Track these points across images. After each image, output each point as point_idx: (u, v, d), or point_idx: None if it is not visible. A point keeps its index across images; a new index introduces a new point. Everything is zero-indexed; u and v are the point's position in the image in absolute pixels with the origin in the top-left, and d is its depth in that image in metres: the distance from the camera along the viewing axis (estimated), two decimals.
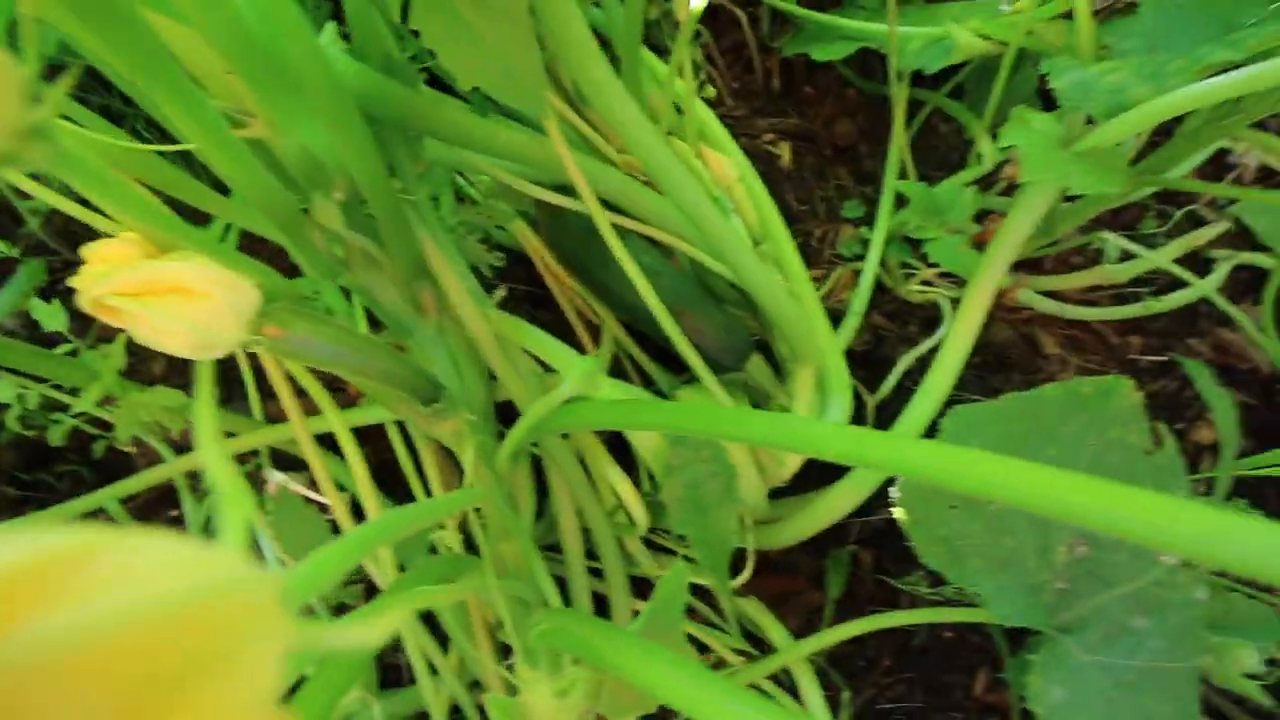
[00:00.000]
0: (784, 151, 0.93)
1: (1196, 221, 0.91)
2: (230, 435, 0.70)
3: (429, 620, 0.64)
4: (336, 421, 0.53)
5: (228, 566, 0.12)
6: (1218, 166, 0.93)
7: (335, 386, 0.80)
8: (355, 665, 0.40)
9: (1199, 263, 0.88)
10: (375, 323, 0.70)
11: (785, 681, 0.68)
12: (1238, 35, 0.49)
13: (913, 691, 0.69)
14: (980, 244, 0.75)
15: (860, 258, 0.85)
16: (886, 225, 0.79)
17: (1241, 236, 0.91)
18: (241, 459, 0.72)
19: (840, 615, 0.71)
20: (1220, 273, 0.84)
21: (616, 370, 0.75)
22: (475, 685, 0.66)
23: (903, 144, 0.84)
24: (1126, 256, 0.88)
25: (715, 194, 0.67)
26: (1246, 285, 0.88)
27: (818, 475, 0.68)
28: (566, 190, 0.62)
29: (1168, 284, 0.87)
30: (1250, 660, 0.55)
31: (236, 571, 0.12)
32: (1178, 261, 0.85)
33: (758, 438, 0.39)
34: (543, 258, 0.70)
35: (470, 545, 0.69)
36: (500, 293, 0.56)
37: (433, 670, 0.60)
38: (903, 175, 0.84)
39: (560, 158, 0.52)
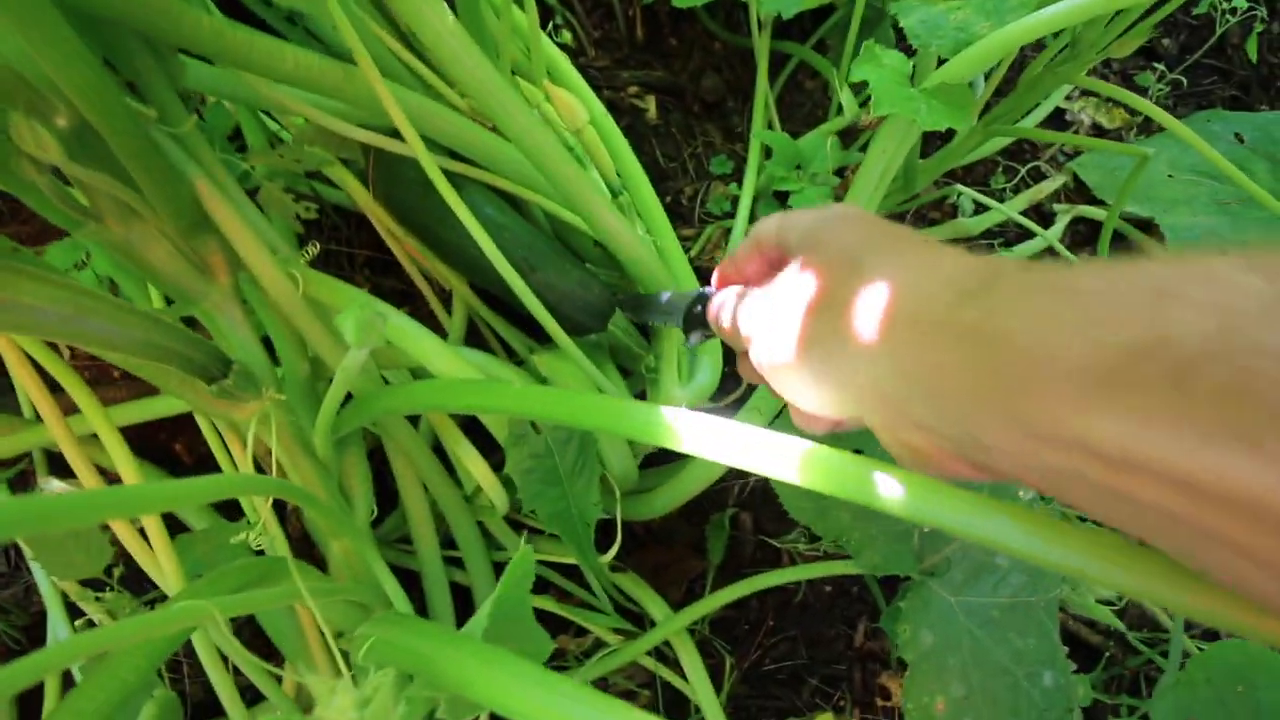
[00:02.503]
0: (649, 105, 0.88)
1: (1038, 178, 0.96)
2: None
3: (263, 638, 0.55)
4: (92, 413, 0.43)
5: None
6: (1057, 125, 0.98)
7: (131, 374, 0.67)
8: (116, 694, 0.32)
9: (1042, 216, 0.93)
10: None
11: (669, 655, 0.65)
12: None
13: (796, 649, 0.69)
14: (840, 197, 0.74)
15: (730, 215, 0.82)
16: (755, 181, 0.77)
17: (1077, 191, 0.97)
18: (9, 463, 0.59)
19: (721, 580, 0.69)
20: (1061, 224, 0.88)
21: (474, 337, 0.68)
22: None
23: (767, 97, 0.82)
24: (978, 211, 0.91)
25: (567, 140, 0.62)
26: (1084, 237, 0.94)
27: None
28: (397, 136, 0.54)
29: (1015, 236, 0.91)
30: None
31: None
32: (1024, 214, 0.89)
33: (613, 426, 0.34)
34: (378, 215, 0.62)
35: (312, 552, 0.61)
36: (314, 249, 0.48)
37: (252, 698, 0.51)
38: (769, 130, 0.82)
39: (375, 92, 0.44)
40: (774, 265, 0.36)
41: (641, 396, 0.64)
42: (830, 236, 0.31)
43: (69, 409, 0.45)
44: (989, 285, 0.23)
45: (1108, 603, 0.56)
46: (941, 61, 0.57)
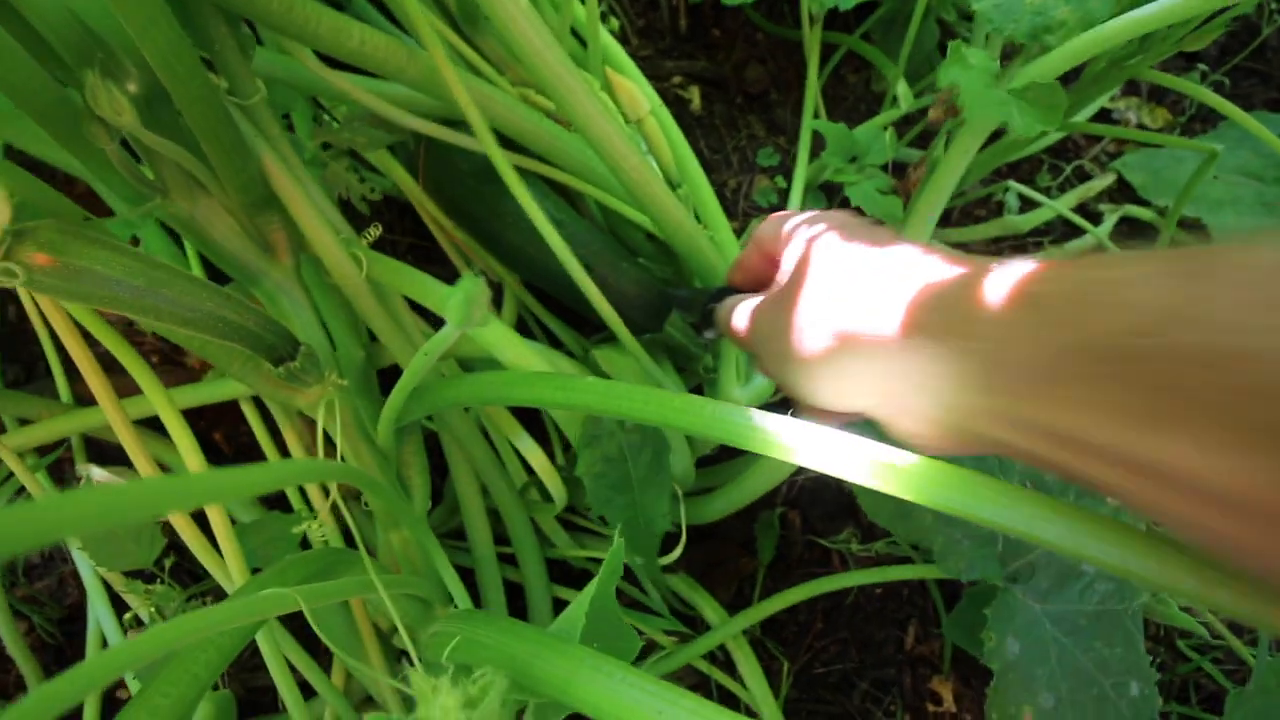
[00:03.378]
0: (693, 96, 0.86)
1: (1083, 177, 0.95)
2: (25, 423, 0.55)
3: (309, 634, 0.53)
4: (156, 397, 0.41)
5: None
6: (1103, 122, 0.96)
7: (173, 359, 0.66)
8: (191, 690, 0.30)
9: (1086, 215, 0.92)
10: (221, 278, 0.57)
11: (721, 657, 0.63)
12: None
13: (847, 651, 0.67)
14: (902, 193, 0.72)
15: (776, 208, 0.81)
16: (805, 173, 0.75)
17: (1120, 191, 0.96)
18: (45, 450, 0.57)
19: (771, 580, 0.67)
20: (1109, 223, 0.87)
21: (521, 332, 0.67)
22: (369, 702, 0.56)
23: (816, 88, 0.80)
24: (1024, 209, 0.90)
25: (628, 130, 0.60)
26: (1126, 235, 0.92)
27: None
28: (453, 126, 0.52)
29: (1062, 234, 0.89)
30: None
31: None
32: (1073, 212, 0.87)
33: (705, 429, 0.33)
34: (424, 205, 0.60)
35: (352, 546, 0.59)
36: (375, 231, 0.46)
37: (309, 692, 0.50)
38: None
39: (439, 75, 0.43)
40: (775, 264, 0.38)
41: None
42: (824, 248, 0.33)
43: (123, 392, 0.44)
44: (964, 295, 0.26)
45: (1189, 610, 0.55)
46: (1006, 57, 0.56)
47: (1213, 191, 0.95)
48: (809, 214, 0.38)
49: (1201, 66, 1.04)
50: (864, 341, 0.29)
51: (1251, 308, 0.18)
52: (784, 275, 0.35)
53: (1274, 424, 0.17)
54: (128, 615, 0.48)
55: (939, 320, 0.26)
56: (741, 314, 0.39)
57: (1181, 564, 0.25)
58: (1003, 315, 0.24)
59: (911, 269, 0.29)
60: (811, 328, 0.31)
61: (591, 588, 0.32)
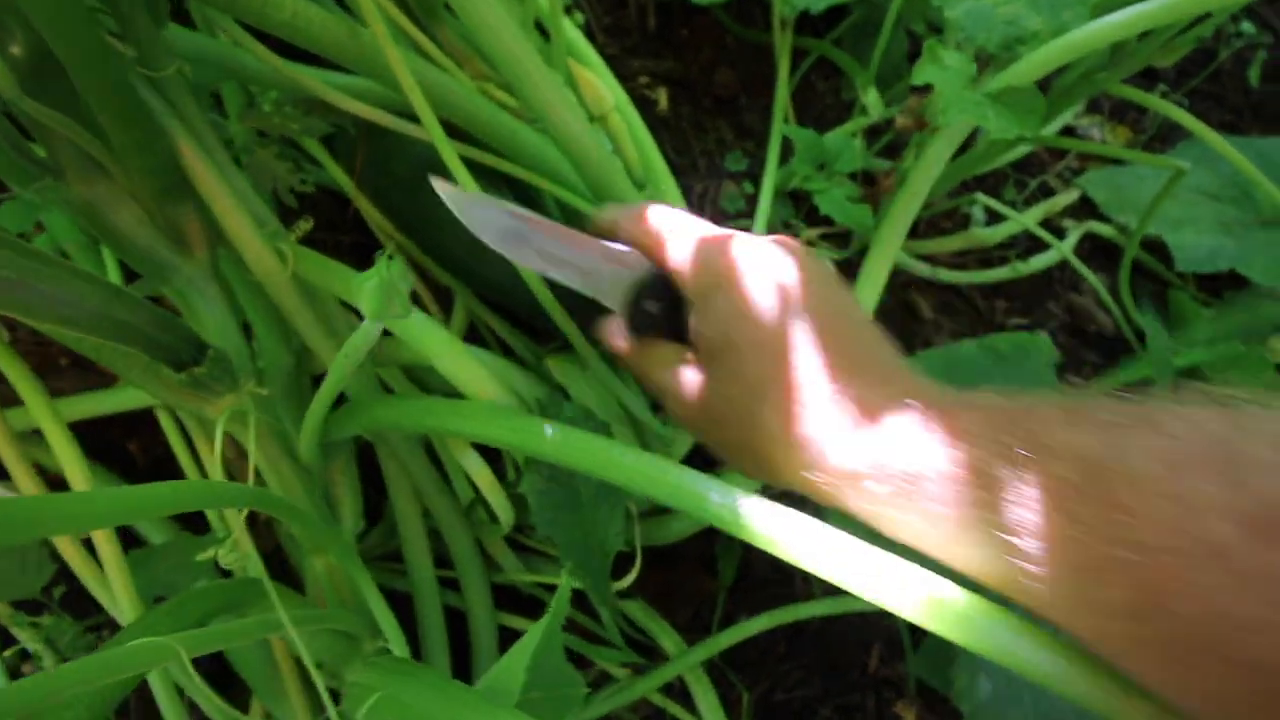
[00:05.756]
0: (660, 97, 0.84)
1: (1047, 192, 0.95)
2: None
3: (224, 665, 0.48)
4: (36, 404, 0.36)
5: None
6: (1067, 138, 0.97)
7: (85, 363, 0.60)
8: None
9: (1051, 230, 0.92)
10: (136, 278, 0.52)
11: (678, 686, 0.60)
12: None
13: (810, 677, 0.64)
14: (872, 202, 0.70)
15: (744, 214, 0.78)
16: (774, 179, 0.73)
17: (1083, 207, 0.96)
18: None
19: (732, 602, 0.64)
20: (1073, 238, 0.87)
21: (472, 338, 0.63)
22: None
23: (786, 93, 0.78)
24: (989, 222, 0.89)
25: (591, 125, 0.57)
26: (1087, 251, 0.92)
27: (707, 456, 0.61)
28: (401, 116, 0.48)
29: (1026, 249, 0.89)
30: None
31: None
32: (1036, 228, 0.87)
33: (673, 499, 0.31)
34: (364, 206, 0.56)
35: (285, 569, 0.54)
36: (305, 225, 0.42)
37: None
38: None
39: (382, 55, 0.39)
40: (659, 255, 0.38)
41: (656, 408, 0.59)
42: (797, 338, 0.30)
43: (6, 400, 0.39)
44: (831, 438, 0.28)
45: None
46: (982, 64, 0.54)
47: (1172, 210, 0.96)
48: (736, 238, 0.34)
49: (1162, 87, 1.06)
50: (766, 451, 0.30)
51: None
52: (716, 334, 0.32)
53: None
54: (9, 651, 0.43)
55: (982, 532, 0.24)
56: (661, 371, 0.36)
57: None
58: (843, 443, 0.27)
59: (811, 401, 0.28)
60: (778, 445, 0.29)
61: (535, 633, 0.28)
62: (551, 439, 0.34)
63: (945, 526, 0.24)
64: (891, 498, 0.25)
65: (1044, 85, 0.72)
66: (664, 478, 0.31)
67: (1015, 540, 0.21)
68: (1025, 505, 0.21)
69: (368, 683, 0.29)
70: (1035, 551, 0.21)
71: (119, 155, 0.34)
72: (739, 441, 0.32)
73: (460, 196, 0.36)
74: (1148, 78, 1.08)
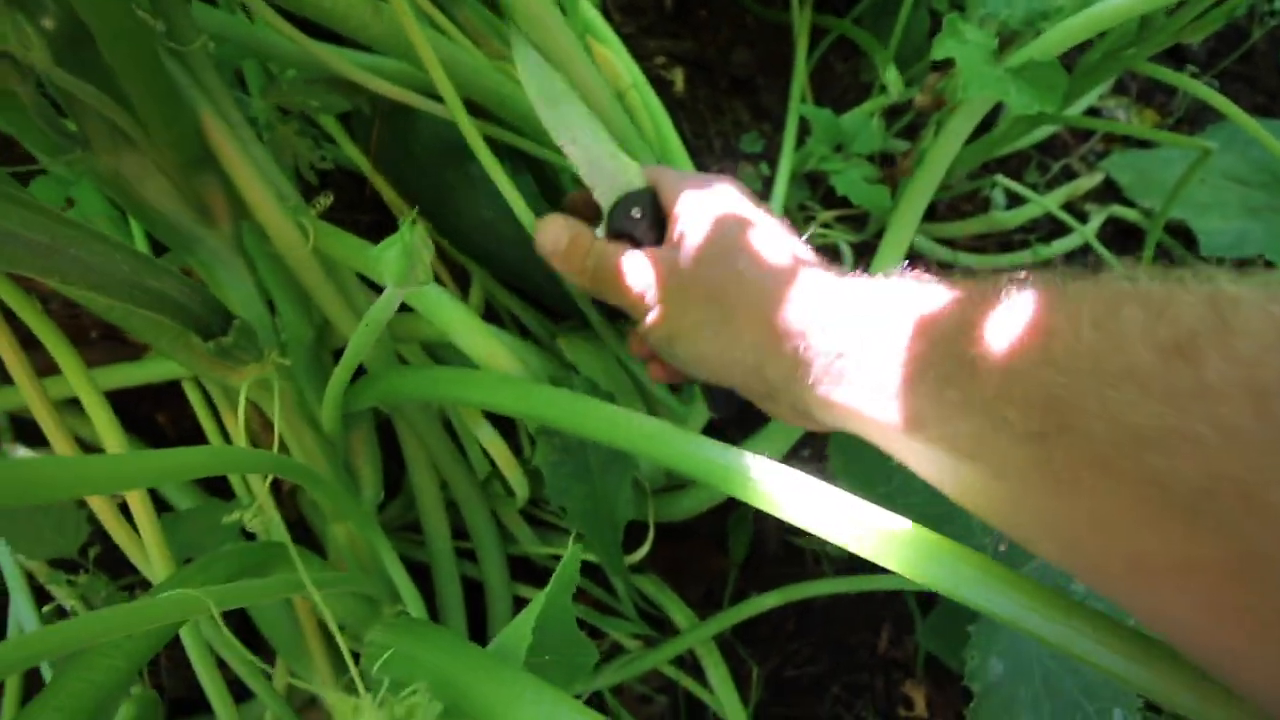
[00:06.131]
0: (677, 78, 0.83)
1: (1070, 175, 0.93)
2: None
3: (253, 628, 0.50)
4: (73, 373, 0.37)
5: None
6: (1091, 118, 0.95)
7: (116, 335, 0.61)
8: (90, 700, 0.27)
9: (1074, 215, 0.90)
10: (163, 251, 0.53)
11: (689, 659, 0.61)
12: None
13: (818, 655, 0.65)
14: (890, 182, 0.70)
15: (760, 196, 0.78)
16: (791, 160, 0.72)
17: (1106, 191, 0.94)
18: None
19: (743, 579, 0.65)
20: (1096, 222, 0.86)
21: (489, 316, 0.63)
22: (314, 703, 0.53)
23: (804, 73, 0.78)
24: (1010, 206, 0.88)
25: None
26: (1110, 235, 0.91)
27: (719, 432, 0.61)
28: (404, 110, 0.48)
29: (1049, 233, 0.87)
30: None
31: None
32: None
33: (677, 462, 0.32)
34: (380, 185, 0.56)
35: (308, 537, 0.55)
36: (325, 200, 0.43)
37: (237, 695, 0.46)
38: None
39: (404, 33, 0.39)
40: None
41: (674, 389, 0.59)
42: (714, 227, 0.36)
43: (43, 370, 0.40)
44: (815, 297, 0.32)
45: None
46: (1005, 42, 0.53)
47: (1198, 195, 0.94)
48: (697, 183, 0.39)
49: (1191, 68, 1.04)
50: (742, 332, 0.33)
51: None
52: (678, 251, 0.36)
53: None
54: (47, 608, 0.45)
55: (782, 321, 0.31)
56: (634, 260, 0.38)
57: (1176, 675, 0.23)
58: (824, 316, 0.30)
59: (776, 272, 0.33)
60: (701, 309, 0.34)
61: (542, 597, 0.29)
62: (560, 404, 0.34)
63: (890, 384, 0.25)
64: (839, 365, 0.28)
65: (1069, 64, 0.71)
66: (660, 435, 0.32)
67: (945, 385, 0.23)
68: (955, 340, 0.23)
69: (385, 642, 0.30)
70: (957, 390, 0.22)
71: (146, 127, 0.35)
72: (705, 321, 0.35)
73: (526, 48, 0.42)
74: (1176, 59, 1.05)
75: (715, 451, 0.31)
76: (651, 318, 0.37)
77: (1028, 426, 0.20)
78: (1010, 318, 0.22)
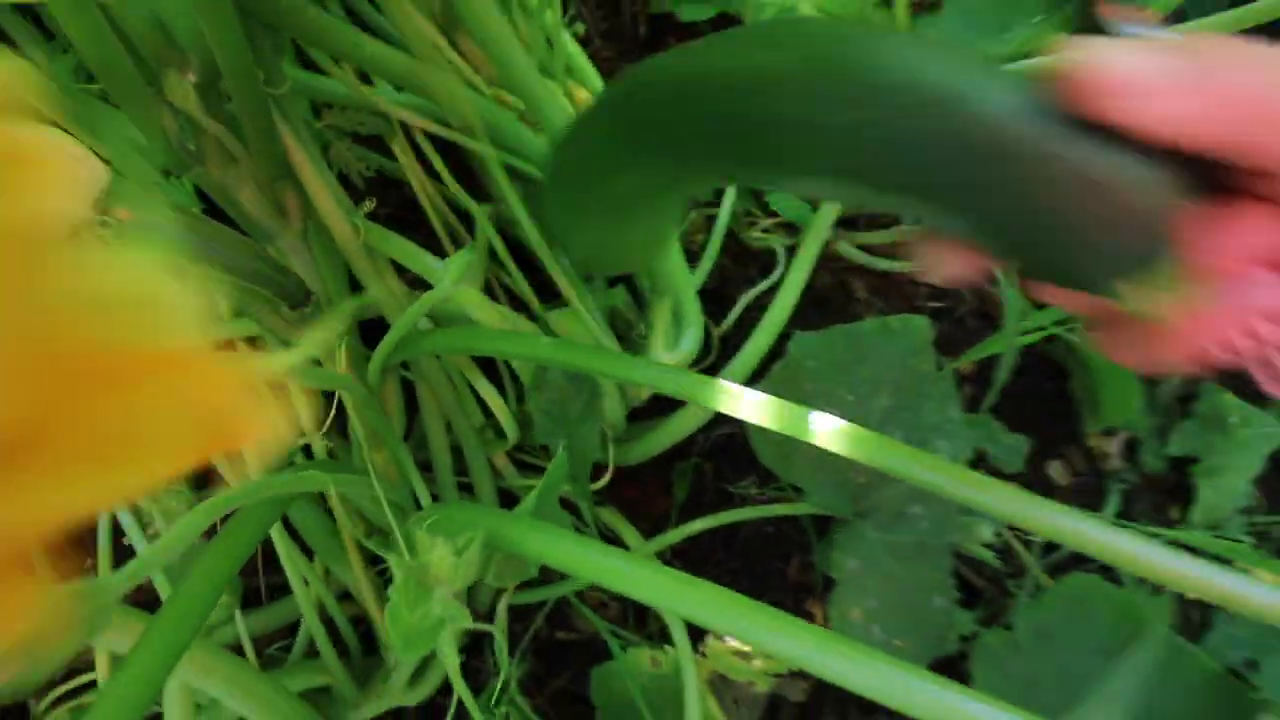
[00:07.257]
0: None
1: None
2: None
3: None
4: None
5: None
6: None
7: None
8: (221, 577, 0.40)
9: None
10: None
11: None
12: (1010, 34, 0.62)
13: (739, 579, 0.81)
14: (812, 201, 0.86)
15: (711, 204, 0.93)
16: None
17: None
18: None
19: (683, 517, 0.81)
20: None
21: (486, 291, 0.77)
22: (343, 597, 0.67)
23: None
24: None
25: None
26: None
27: (669, 399, 0.76)
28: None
29: None
30: (986, 533, 0.73)
31: None
32: None
33: (618, 374, 0.45)
34: (419, 178, 0.69)
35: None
36: (370, 204, 0.56)
37: (286, 591, 0.60)
38: None
39: (433, 85, 0.52)
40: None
41: None
42: None
43: None
44: None
45: (990, 546, 0.71)
46: None
47: None
48: None
49: None
50: None
51: None
52: None
53: None
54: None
55: None
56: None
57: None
58: None
59: None
60: None
61: (540, 485, 0.44)
62: (548, 343, 0.48)
63: None
64: None
65: None
66: (612, 359, 0.46)
67: None
68: None
69: (427, 515, 0.44)
70: None
71: (249, 148, 0.48)
72: None
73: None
74: None
75: (657, 368, 0.45)
76: None
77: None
78: None
